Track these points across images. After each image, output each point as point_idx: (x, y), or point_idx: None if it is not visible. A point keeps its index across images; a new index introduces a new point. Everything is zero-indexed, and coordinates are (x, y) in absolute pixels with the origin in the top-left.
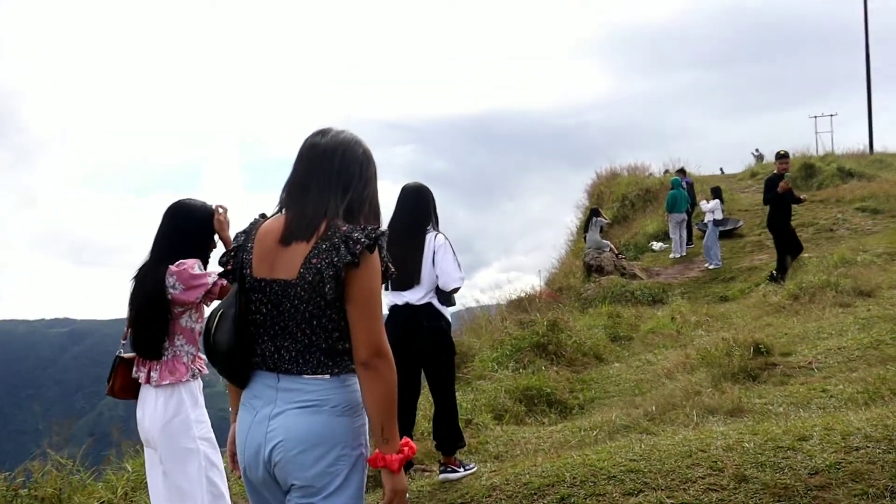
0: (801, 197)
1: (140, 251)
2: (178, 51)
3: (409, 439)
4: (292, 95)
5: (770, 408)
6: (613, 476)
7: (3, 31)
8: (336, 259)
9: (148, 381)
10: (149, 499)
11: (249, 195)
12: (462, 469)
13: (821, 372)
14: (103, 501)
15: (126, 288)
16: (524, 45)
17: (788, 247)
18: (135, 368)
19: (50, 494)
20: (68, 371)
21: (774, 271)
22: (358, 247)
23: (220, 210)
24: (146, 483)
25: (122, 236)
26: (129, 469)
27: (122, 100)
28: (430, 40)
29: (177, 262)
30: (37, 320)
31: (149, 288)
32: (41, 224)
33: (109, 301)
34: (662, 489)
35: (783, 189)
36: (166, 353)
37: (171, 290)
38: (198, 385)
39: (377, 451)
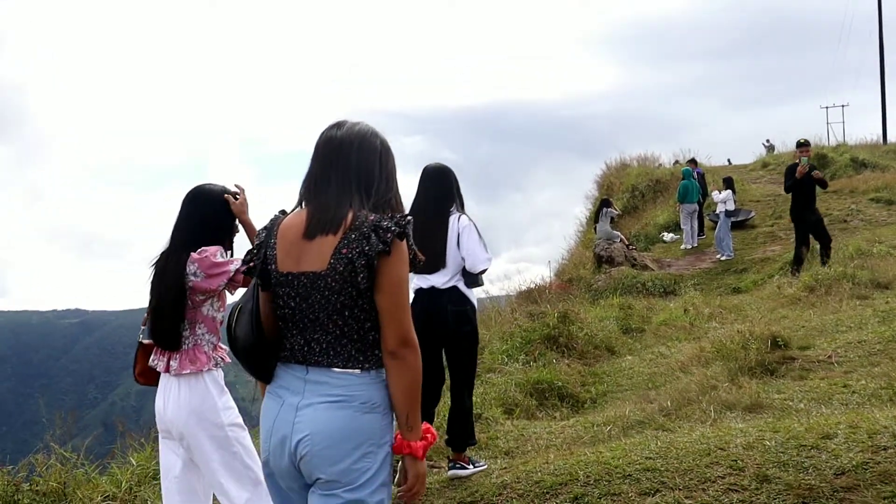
0: (816, 174)
1: (148, 244)
2: (178, 51)
3: (429, 425)
4: (292, 95)
5: (790, 404)
6: (629, 475)
7: (8, 28)
8: (367, 248)
9: (167, 369)
10: (152, 492)
11: (253, 188)
12: (472, 466)
13: (841, 366)
14: (107, 496)
15: (136, 279)
16: (528, 41)
17: (808, 238)
18: (152, 356)
19: (53, 489)
20: (80, 361)
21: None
22: (389, 235)
23: (237, 191)
24: (150, 477)
25: (131, 229)
26: (134, 463)
27: (124, 99)
28: (430, 40)
29: (199, 250)
30: (49, 311)
31: (169, 276)
32: (51, 218)
33: (120, 292)
34: (680, 489)
35: (801, 173)
36: (187, 342)
37: (192, 278)
38: (220, 374)
39: (399, 437)
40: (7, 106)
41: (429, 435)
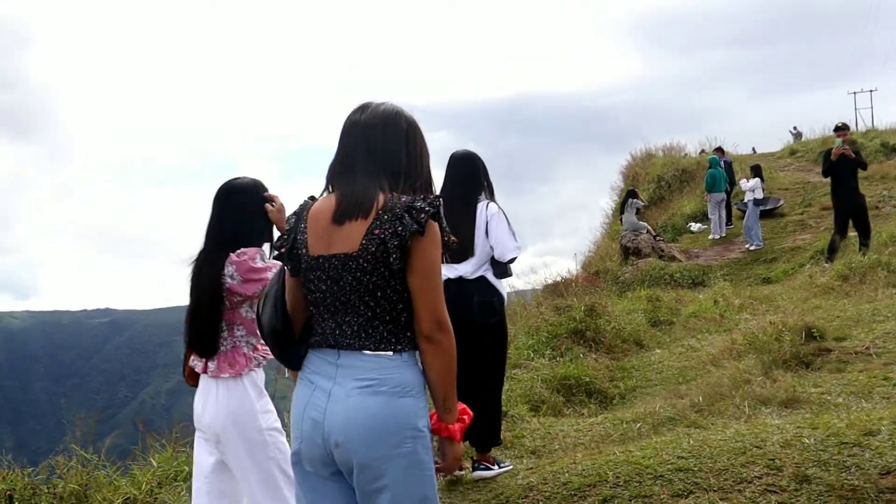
0: (845, 150)
1: (175, 243)
2: (178, 51)
3: (465, 406)
4: (292, 95)
5: (828, 398)
6: (660, 475)
7: (35, 30)
8: (401, 228)
9: (205, 370)
10: (173, 494)
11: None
12: (496, 467)
13: (880, 358)
14: (127, 498)
15: (164, 278)
16: (550, 33)
17: (846, 226)
18: (192, 357)
19: (73, 491)
20: (111, 361)
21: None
22: (423, 215)
23: (273, 199)
24: (171, 478)
25: (158, 229)
26: (155, 464)
27: (137, 99)
28: (447, 34)
29: (238, 251)
30: (79, 311)
31: (205, 278)
32: (79, 218)
33: (148, 291)
34: (715, 490)
35: (835, 155)
36: (225, 344)
37: (228, 280)
38: (260, 375)
39: (436, 419)
40: (36, 107)
41: (465, 416)
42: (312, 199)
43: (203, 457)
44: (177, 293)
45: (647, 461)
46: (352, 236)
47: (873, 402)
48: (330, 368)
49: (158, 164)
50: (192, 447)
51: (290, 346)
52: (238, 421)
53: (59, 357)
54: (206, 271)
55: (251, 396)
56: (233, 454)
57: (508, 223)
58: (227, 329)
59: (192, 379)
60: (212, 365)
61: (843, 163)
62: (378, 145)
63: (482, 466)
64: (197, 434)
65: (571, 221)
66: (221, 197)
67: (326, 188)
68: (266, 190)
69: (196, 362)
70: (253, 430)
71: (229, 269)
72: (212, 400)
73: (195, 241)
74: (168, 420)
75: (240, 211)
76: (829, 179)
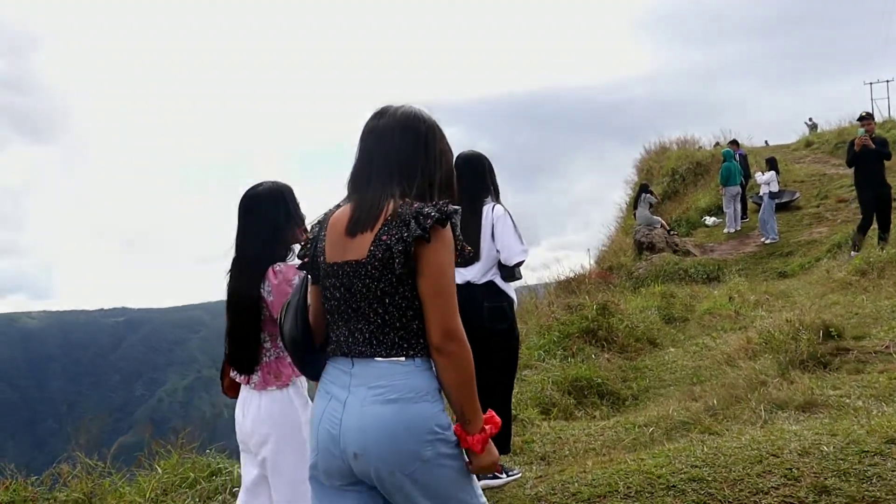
0: (865, 139)
1: (188, 242)
2: (180, 53)
3: (493, 413)
4: (292, 95)
5: (847, 401)
6: (673, 486)
7: (48, 33)
8: (406, 234)
9: (248, 381)
10: (179, 502)
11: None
12: (505, 475)
13: None
14: None
15: (178, 277)
16: (564, 26)
17: (871, 220)
18: (233, 369)
19: (77, 499)
20: (127, 359)
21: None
22: (428, 221)
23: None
24: (177, 486)
25: (173, 227)
26: (160, 471)
27: (151, 99)
28: (438, 38)
29: (277, 269)
30: (95, 310)
31: (241, 293)
32: (95, 217)
33: (163, 290)
34: (730, 502)
35: (858, 146)
36: (268, 355)
37: (265, 295)
38: (304, 383)
39: (459, 428)
40: (49, 109)
41: (487, 426)
42: (338, 207)
43: (247, 469)
44: (192, 291)
45: (660, 470)
46: (362, 244)
47: (895, 406)
48: (344, 377)
49: (169, 164)
50: (198, 453)
51: (310, 355)
52: (281, 433)
53: (76, 356)
54: (242, 284)
55: (296, 406)
56: (273, 466)
57: (514, 225)
58: (269, 340)
59: (232, 390)
60: (255, 377)
61: (867, 152)
62: (394, 150)
63: (489, 475)
64: (241, 447)
65: (585, 216)
66: (244, 206)
67: (347, 196)
68: (291, 191)
69: (237, 373)
70: (296, 443)
71: (266, 285)
72: (253, 408)
73: (209, 240)
74: (185, 417)
75: (263, 220)
76: (851, 170)
